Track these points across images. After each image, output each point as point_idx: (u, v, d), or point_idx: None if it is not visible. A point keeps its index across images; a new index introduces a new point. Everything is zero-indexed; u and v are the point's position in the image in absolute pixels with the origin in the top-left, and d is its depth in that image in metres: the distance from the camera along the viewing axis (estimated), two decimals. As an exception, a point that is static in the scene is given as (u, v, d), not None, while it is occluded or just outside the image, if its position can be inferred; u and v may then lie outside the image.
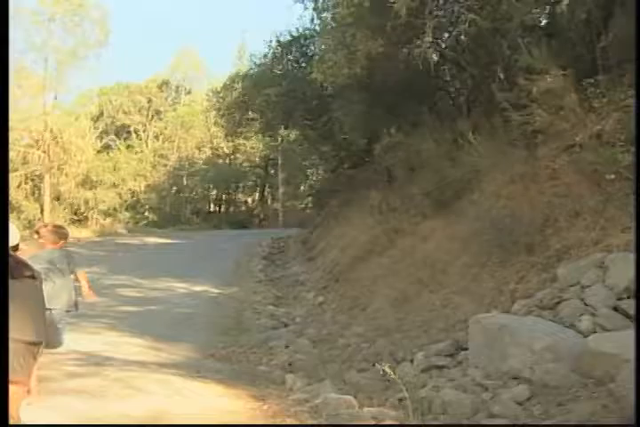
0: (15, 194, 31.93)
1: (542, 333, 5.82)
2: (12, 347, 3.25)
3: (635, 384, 4.34)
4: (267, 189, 47.90)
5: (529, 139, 9.57)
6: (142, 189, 39.81)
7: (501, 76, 11.61)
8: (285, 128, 26.27)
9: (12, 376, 3.19)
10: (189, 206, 44.57)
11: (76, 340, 8.75)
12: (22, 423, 3.56)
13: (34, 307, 3.53)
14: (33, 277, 3.55)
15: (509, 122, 9.87)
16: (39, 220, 31.51)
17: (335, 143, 21.71)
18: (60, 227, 7.04)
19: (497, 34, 11.13)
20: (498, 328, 6.16)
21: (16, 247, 3.70)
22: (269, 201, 48.14)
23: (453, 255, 9.83)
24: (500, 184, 9.75)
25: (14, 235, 3.73)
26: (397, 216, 13.51)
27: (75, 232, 25.58)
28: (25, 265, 3.58)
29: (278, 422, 5.14)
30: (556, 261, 7.35)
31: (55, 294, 6.19)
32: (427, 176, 12.75)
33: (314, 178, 34.53)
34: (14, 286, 3.41)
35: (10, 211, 30.08)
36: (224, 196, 47.55)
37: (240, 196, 48.88)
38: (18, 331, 3.30)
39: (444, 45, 12.83)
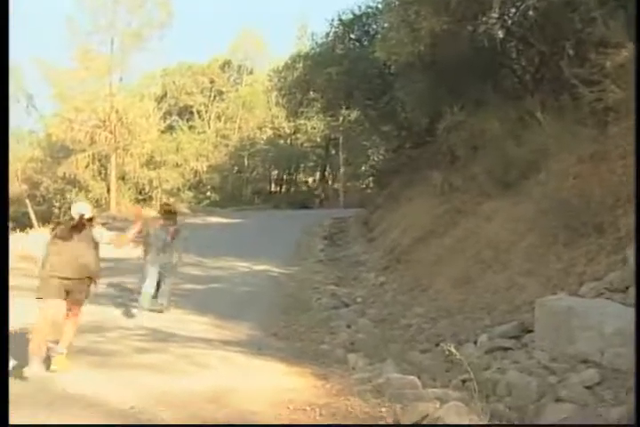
0: (83, 174, 32.80)
1: (613, 316, 5.66)
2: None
3: (635, 384, 4.22)
4: (327, 170, 47.74)
5: (599, 117, 9.24)
6: (204, 169, 40.17)
7: (571, 51, 11.23)
8: (346, 108, 26.07)
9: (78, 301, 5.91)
10: (250, 186, 44.87)
11: (142, 316, 9.01)
12: (22, 423, 4.01)
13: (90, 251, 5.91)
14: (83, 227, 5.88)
15: (578, 100, 9.55)
16: (106, 199, 32.35)
17: (396, 123, 21.46)
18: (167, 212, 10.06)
19: (568, 7, 10.74)
20: (565, 311, 6.02)
21: (91, 219, 6.01)
22: (330, 181, 48.02)
23: (518, 236, 9.63)
24: (569, 163, 9.48)
25: (88, 210, 6.00)
26: (460, 196, 13.32)
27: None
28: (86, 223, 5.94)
29: (342, 400, 5.15)
30: (628, 243, 7.12)
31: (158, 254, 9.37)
32: (490, 156, 12.50)
33: (375, 158, 34.17)
34: (78, 237, 5.82)
35: (78, 190, 31.16)
36: (285, 176, 47.71)
37: (301, 176, 48.93)
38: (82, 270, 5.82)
39: (510, 21, 12.47)
